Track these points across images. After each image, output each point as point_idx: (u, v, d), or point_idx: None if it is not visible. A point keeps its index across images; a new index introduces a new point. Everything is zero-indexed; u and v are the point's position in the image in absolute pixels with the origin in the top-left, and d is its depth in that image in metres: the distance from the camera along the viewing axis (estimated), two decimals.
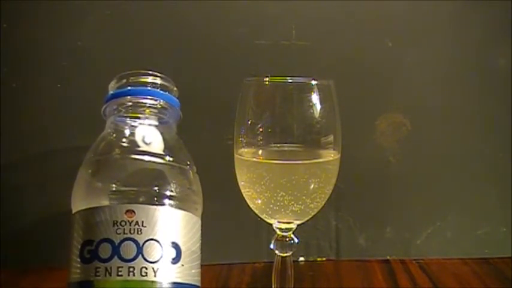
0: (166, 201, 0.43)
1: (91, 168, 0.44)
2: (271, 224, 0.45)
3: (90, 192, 0.43)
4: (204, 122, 0.61)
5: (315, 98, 0.42)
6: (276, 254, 0.46)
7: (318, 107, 0.42)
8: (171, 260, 0.41)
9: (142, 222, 0.40)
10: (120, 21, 0.60)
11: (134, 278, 0.39)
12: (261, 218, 0.45)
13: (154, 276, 0.39)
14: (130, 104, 0.45)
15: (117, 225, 0.40)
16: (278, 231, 0.45)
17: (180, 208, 0.43)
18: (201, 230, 0.45)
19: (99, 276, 0.39)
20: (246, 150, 0.43)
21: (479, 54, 0.62)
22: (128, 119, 0.46)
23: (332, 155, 0.43)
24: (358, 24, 0.61)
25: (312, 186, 0.42)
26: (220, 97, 0.57)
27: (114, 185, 0.43)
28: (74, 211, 0.44)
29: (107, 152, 0.45)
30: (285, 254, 0.45)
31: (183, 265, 0.41)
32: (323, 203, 0.44)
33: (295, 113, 0.43)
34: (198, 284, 0.43)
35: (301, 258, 0.63)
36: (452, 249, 0.63)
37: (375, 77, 0.61)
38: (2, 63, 0.59)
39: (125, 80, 0.46)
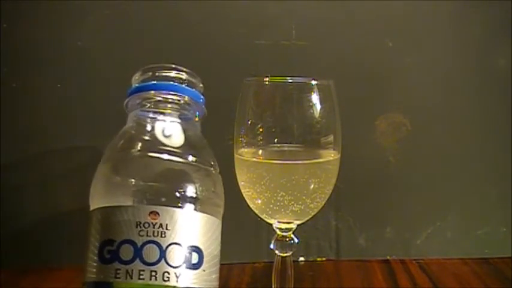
0: (190, 203, 0.41)
1: (112, 164, 0.43)
2: (271, 224, 0.45)
3: (111, 189, 0.42)
4: (204, 122, 0.61)
5: (315, 98, 0.42)
6: (276, 254, 0.46)
7: (318, 107, 0.42)
8: (192, 265, 0.39)
9: (167, 225, 0.39)
10: (120, 21, 0.60)
11: (156, 282, 0.38)
12: (261, 218, 0.45)
13: (177, 281, 0.38)
14: (154, 98, 0.44)
15: (140, 227, 0.38)
16: (278, 231, 0.45)
17: (203, 211, 0.42)
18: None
19: (119, 278, 0.38)
20: (246, 150, 0.43)
21: (479, 54, 0.62)
22: (151, 114, 0.44)
23: (332, 155, 0.43)
24: (358, 24, 0.61)
25: (312, 186, 0.42)
26: (220, 97, 0.56)
27: (136, 184, 0.41)
28: (92, 207, 0.42)
29: (129, 148, 0.43)
30: (285, 254, 0.45)
31: (204, 270, 0.40)
32: (323, 203, 0.44)
33: (295, 113, 0.43)
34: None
35: (301, 258, 0.63)
36: (452, 249, 0.63)
37: (375, 77, 0.61)
38: (2, 63, 0.59)
39: (150, 74, 0.45)
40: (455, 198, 0.63)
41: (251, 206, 0.44)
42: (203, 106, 0.47)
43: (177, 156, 0.43)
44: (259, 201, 0.43)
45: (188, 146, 0.44)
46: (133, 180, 0.41)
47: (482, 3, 0.60)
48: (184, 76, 0.46)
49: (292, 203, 0.42)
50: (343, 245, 0.63)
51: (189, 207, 0.41)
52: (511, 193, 0.62)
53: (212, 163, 0.45)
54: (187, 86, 0.45)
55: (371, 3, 0.60)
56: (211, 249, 0.41)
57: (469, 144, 0.63)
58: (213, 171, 0.45)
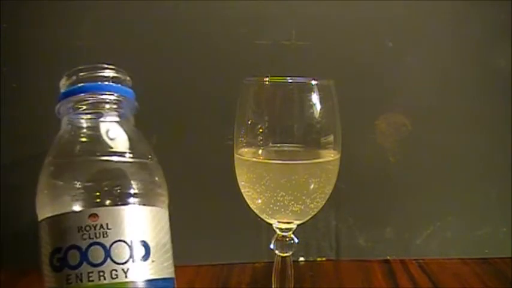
0: (131, 199, 0.42)
1: (52, 172, 0.43)
2: (271, 224, 0.45)
3: (53, 198, 0.42)
4: (204, 122, 0.61)
5: (315, 98, 0.42)
6: (276, 254, 0.46)
7: (318, 107, 0.42)
8: (140, 258, 0.40)
9: (107, 224, 0.40)
10: (120, 21, 0.60)
11: (105, 281, 0.38)
12: (261, 218, 0.45)
13: (126, 277, 0.39)
14: (85, 100, 0.44)
15: (82, 231, 0.39)
16: (278, 231, 0.45)
17: (145, 204, 0.42)
18: (170, 223, 0.45)
19: (71, 283, 0.39)
20: (246, 150, 0.43)
21: (479, 54, 0.62)
22: (84, 116, 0.44)
23: (332, 155, 0.43)
24: (358, 24, 0.61)
25: (312, 186, 0.42)
26: (220, 97, 0.57)
27: (76, 189, 0.42)
28: (40, 218, 0.43)
29: (67, 153, 0.44)
30: (285, 254, 0.45)
31: (153, 261, 0.41)
32: (323, 203, 0.44)
33: (295, 113, 0.43)
34: (172, 275, 0.43)
35: (301, 258, 0.63)
36: (452, 249, 0.64)
37: (375, 77, 0.61)
38: (2, 63, 0.59)
39: (75, 77, 0.45)
40: (455, 198, 0.63)
41: (251, 206, 0.44)
42: (133, 100, 0.47)
43: (114, 155, 0.43)
44: (259, 201, 0.43)
45: (124, 142, 0.44)
46: (72, 185, 0.42)
47: (482, 3, 0.60)
48: (110, 73, 0.46)
49: (292, 203, 0.42)
50: (343, 245, 0.63)
51: (130, 203, 0.42)
52: (511, 193, 0.62)
53: (150, 156, 0.45)
54: (115, 83, 0.45)
55: (371, 3, 0.60)
56: (158, 239, 0.42)
57: (469, 144, 0.63)
58: (150, 162, 0.45)
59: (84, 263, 0.39)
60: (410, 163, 0.63)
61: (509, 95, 0.61)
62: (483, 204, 0.63)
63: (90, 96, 0.44)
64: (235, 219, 0.60)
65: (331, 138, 0.43)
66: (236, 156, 0.44)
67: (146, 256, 0.40)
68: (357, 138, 0.60)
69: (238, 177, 0.44)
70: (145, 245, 0.41)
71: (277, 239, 0.45)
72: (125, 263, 0.39)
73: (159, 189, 0.45)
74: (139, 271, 0.40)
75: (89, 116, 0.44)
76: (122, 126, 0.45)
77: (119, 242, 0.40)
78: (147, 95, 0.58)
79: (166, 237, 0.43)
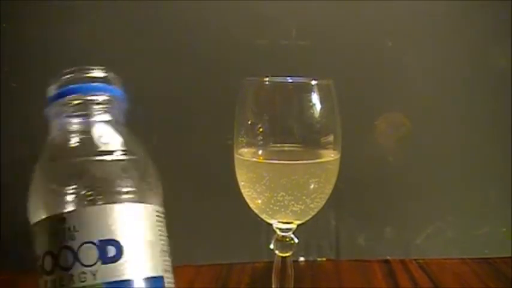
0: (99, 198, 0.41)
1: (38, 175, 0.43)
2: (271, 224, 0.45)
3: (35, 203, 0.42)
4: (204, 122, 0.61)
5: (315, 98, 0.42)
6: (276, 254, 0.46)
7: (318, 107, 0.42)
8: (110, 258, 0.39)
9: (74, 227, 0.39)
10: (120, 21, 0.60)
11: (74, 285, 0.38)
12: (261, 218, 0.45)
13: (94, 279, 0.38)
14: (73, 102, 0.43)
15: (54, 236, 0.39)
16: (278, 231, 0.45)
17: (116, 202, 0.41)
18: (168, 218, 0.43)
19: None
20: (246, 150, 0.43)
21: (479, 54, 0.62)
22: (74, 119, 0.43)
23: (332, 155, 0.43)
24: (358, 24, 0.61)
25: (312, 186, 0.42)
26: (220, 97, 0.57)
27: (51, 194, 0.41)
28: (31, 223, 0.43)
29: (51, 157, 0.43)
30: (285, 254, 0.45)
31: (126, 261, 0.39)
32: (323, 203, 0.44)
33: (295, 113, 0.43)
34: (158, 273, 0.41)
35: (301, 258, 0.63)
36: (452, 249, 0.64)
37: (375, 77, 0.61)
38: (2, 63, 0.59)
39: (66, 78, 0.44)
40: (455, 198, 0.63)
41: (251, 206, 0.44)
42: (123, 99, 0.46)
43: (104, 155, 0.42)
44: (259, 201, 0.43)
45: (120, 144, 0.43)
46: (48, 190, 0.42)
47: (482, 3, 0.60)
48: (98, 74, 0.45)
49: (292, 203, 0.42)
50: (343, 245, 0.63)
51: (97, 202, 0.40)
52: (511, 193, 0.62)
53: (136, 153, 0.44)
54: (103, 83, 0.45)
55: (371, 3, 0.60)
56: (134, 238, 0.40)
57: (469, 144, 0.63)
58: (135, 158, 0.44)
59: (57, 268, 0.39)
60: (410, 163, 0.63)
61: (509, 95, 0.61)
62: (483, 204, 0.63)
63: (78, 97, 0.43)
64: (235, 219, 0.60)
65: (331, 138, 0.43)
66: (236, 156, 0.44)
67: (118, 256, 0.39)
68: (357, 138, 0.60)
69: (238, 177, 0.44)
70: (116, 244, 0.39)
71: (277, 239, 0.45)
72: (93, 264, 0.39)
73: (143, 184, 0.43)
74: (110, 272, 0.39)
75: (75, 119, 0.43)
76: (111, 125, 0.44)
77: (86, 244, 0.39)
78: (147, 95, 0.58)
79: (150, 234, 0.41)
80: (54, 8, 0.59)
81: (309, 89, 0.42)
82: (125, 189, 0.42)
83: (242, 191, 0.44)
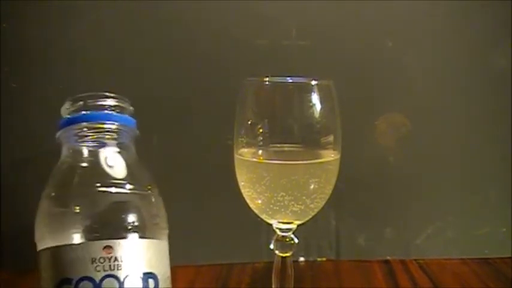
0: (136, 232, 0.42)
1: (54, 202, 0.43)
2: (271, 224, 0.45)
3: (58, 226, 0.42)
4: (204, 122, 0.61)
5: (315, 98, 0.42)
6: (276, 254, 0.46)
7: (318, 107, 0.42)
8: None
9: (121, 257, 0.40)
10: (120, 21, 0.60)
11: None
12: (261, 218, 0.45)
13: None
14: (87, 129, 0.44)
15: (96, 262, 0.40)
16: (278, 231, 0.45)
17: (149, 237, 0.43)
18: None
19: None
20: (246, 150, 0.43)
21: (479, 54, 0.62)
22: (87, 145, 0.44)
23: (332, 155, 0.43)
24: (358, 24, 0.61)
25: (312, 186, 0.42)
26: (220, 97, 0.56)
27: (83, 219, 0.42)
28: (40, 248, 0.43)
29: (71, 182, 0.44)
30: (285, 254, 0.45)
31: None
32: (323, 203, 0.44)
33: (295, 113, 0.43)
34: None
35: (301, 258, 0.63)
36: (452, 249, 0.64)
37: (374, 77, 0.61)
38: (2, 63, 0.59)
39: (80, 104, 0.45)
40: (455, 198, 0.63)
41: (251, 206, 0.44)
42: (135, 128, 0.47)
43: (119, 187, 0.43)
44: (259, 202, 0.43)
45: (126, 174, 0.44)
46: (80, 215, 0.42)
47: (482, 3, 0.60)
48: (113, 102, 0.46)
49: (292, 203, 0.42)
50: (343, 245, 0.63)
51: (135, 236, 0.42)
52: (511, 193, 0.62)
53: (149, 186, 0.46)
54: (118, 112, 0.46)
55: (371, 3, 0.60)
56: (164, 271, 0.43)
57: (469, 144, 0.63)
58: (151, 194, 0.45)
59: None
60: (410, 163, 0.63)
61: (509, 95, 0.61)
62: (483, 205, 0.63)
63: (92, 125, 0.44)
64: (235, 219, 0.60)
65: (331, 138, 0.43)
66: (236, 156, 0.44)
67: None
68: (357, 138, 0.60)
69: (238, 177, 0.44)
70: (154, 278, 0.42)
71: (277, 239, 0.45)
72: None
73: (160, 221, 0.46)
74: None
75: (90, 145, 0.44)
76: (122, 155, 0.45)
77: (132, 275, 0.40)
78: (147, 95, 0.58)
79: (168, 270, 0.44)
80: (55, 8, 0.59)
81: (309, 89, 0.42)
82: (158, 225, 0.45)
83: (242, 191, 0.44)
